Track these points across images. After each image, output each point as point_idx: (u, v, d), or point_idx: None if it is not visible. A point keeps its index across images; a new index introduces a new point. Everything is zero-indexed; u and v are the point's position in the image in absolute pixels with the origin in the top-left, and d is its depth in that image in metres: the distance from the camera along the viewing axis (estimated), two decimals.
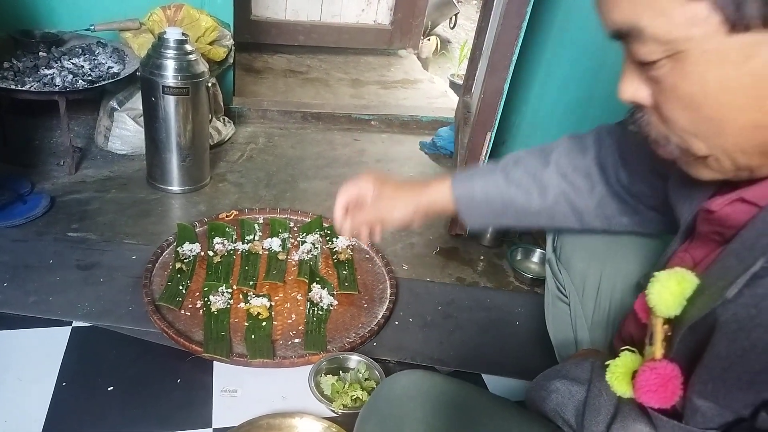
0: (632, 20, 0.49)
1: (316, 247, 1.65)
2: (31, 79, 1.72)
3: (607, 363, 0.67)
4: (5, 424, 1.08)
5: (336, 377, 1.24)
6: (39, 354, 1.23)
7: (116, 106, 1.94)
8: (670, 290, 0.57)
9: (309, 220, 1.77)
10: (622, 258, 0.98)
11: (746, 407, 0.50)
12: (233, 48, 2.18)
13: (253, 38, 3.16)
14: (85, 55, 1.91)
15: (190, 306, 1.40)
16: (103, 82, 1.79)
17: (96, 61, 1.89)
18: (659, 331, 0.60)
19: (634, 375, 0.63)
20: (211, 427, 1.14)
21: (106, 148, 1.99)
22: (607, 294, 0.99)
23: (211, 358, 1.27)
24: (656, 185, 0.82)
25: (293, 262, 1.60)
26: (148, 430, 1.11)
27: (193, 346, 1.27)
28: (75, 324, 1.31)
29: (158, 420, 1.13)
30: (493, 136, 1.60)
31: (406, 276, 1.64)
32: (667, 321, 0.60)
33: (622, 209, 0.89)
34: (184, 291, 1.43)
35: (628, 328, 0.77)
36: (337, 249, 1.65)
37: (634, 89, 0.52)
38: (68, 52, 1.91)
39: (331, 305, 1.46)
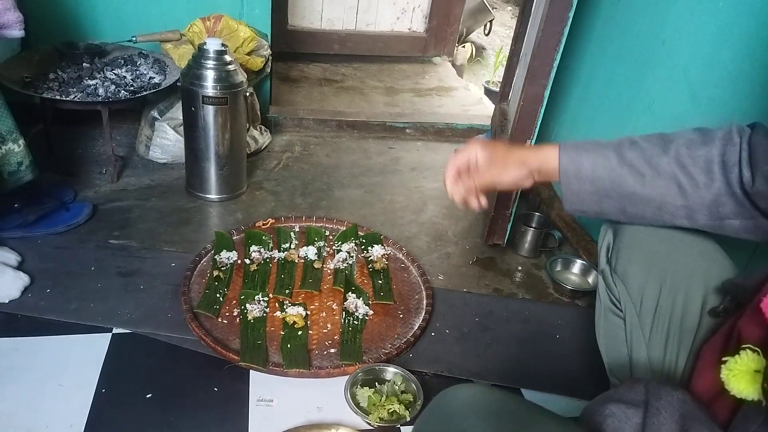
0: None
1: (352, 256, 1.64)
2: (75, 89, 1.77)
3: (724, 359, 0.64)
4: (46, 429, 1.09)
5: (372, 389, 1.22)
6: (80, 360, 1.25)
7: (157, 116, 1.98)
8: None
9: (344, 229, 1.76)
10: (684, 270, 0.93)
11: None
12: (270, 58, 2.20)
13: (290, 48, 3.19)
14: (127, 65, 1.95)
15: (227, 314, 1.40)
16: (145, 93, 1.83)
17: (138, 72, 1.93)
18: None
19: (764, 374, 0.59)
20: None
21: (147, 157, 2.03)
22: (667, 309, 0.93)
23: (247, 367, 1.26)
24: None
25: (329, 271, 1.59)
26: None
27: (230, 354, 1.27)
28: (115, 330, 1.33)
29: (196, 428, 1.13)
30: (533, 144, 1.57)
31: (442, 286, 1.62)
32: None
33: (738, 211, 0.85)
34: (221, 299, 1.43)
35: (747, 326, 0.72)
36: (372, 258, 1.64)
37: None
38: (111, 63, 1.95)
39: (367, 315, 1.45)
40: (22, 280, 1.38)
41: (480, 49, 4.16)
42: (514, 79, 2.12)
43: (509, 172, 0.96)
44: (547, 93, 1.49)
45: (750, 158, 0.82)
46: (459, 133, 2.53)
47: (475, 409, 0.69)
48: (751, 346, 0.63)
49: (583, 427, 0.79)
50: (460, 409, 0.70)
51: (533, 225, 1.82)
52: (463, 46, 3.66)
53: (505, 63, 2.44)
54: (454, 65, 3.47)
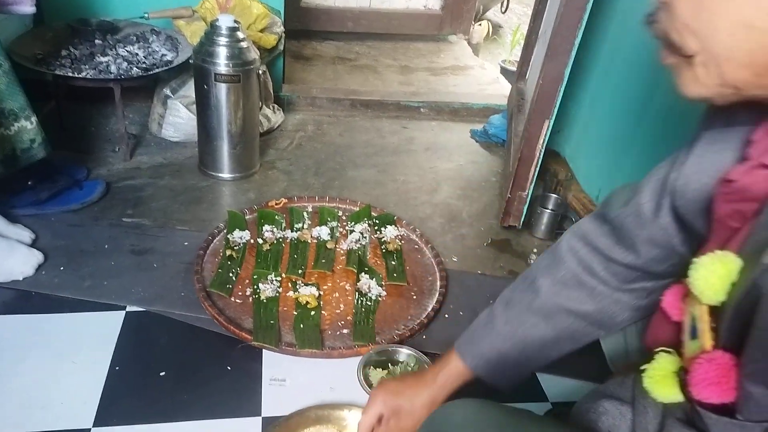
0: None
1: (365, 237, 1.62)
2: (87, 66, 1.75)
3: (642, 368, 0.63)
4: (61, 406, 1.10)
5: (385, 371, 1.21)
6: (93, 338, 1.25)
7: (170, 94, 1.96)
8: (717, 273, 0.53)
9: (357, 209, 1.74)
10: None
11: None
12: (283, 35, 2.16)
13: (303, 25, 3.14)
14: (139, 42, 1.93)
15: (240, 293, 1.40)
16: (157, 70, 1.81)
17: (150, 49, 1.91)
18: (705, 321, 0.56)
19: (680, 374, 0.59)
20: (260, 415, 1.14)
21: (160, 135, 2.02)
22: None
23: (260, 347, 1.26)
24: (665, 237, 0.73)
25: (342, 251, 1.58)
26: (199, 417, 1.12)
27: (243, 333, 1.26)
28: (129, 308, 1.33)
29: (209, 407, 1.14)
30: (551, 124, 1.53)
31: (456, 268, 1.60)
32: (711, 311, 0.56)
33: (637, 295, 0.81)
34: (234, 278, 1.43)
35: (654, 332, 0.71)
36: (385, 239, 1.62)
37: None
38: (123, 39, 1.93)
39: (380, 296, 1.44)
40: (36, 257, 1.39)
41: (496, 27, 4.08)
42: (533, 57, 2.08)
43: (420, 420, 0.89)
44: (567, 71, 1.44)
45: (618, 238, 0.78)
46: (474, 113, 2.48)
47: (471, 429, 0.68)
48: (665, 349, 0.61)
49: (577, 423, 0.77)
50: (456, 429, 0.69)
51: (550, 207, 1.78)
52: (480, 24, 3.58)
53: (522, 41, 2.39)
54: (469, 44, 3.41)
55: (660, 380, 0.60)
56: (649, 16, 0.55)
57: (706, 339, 0.55)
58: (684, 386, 0.57)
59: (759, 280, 0.48)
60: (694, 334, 0.57)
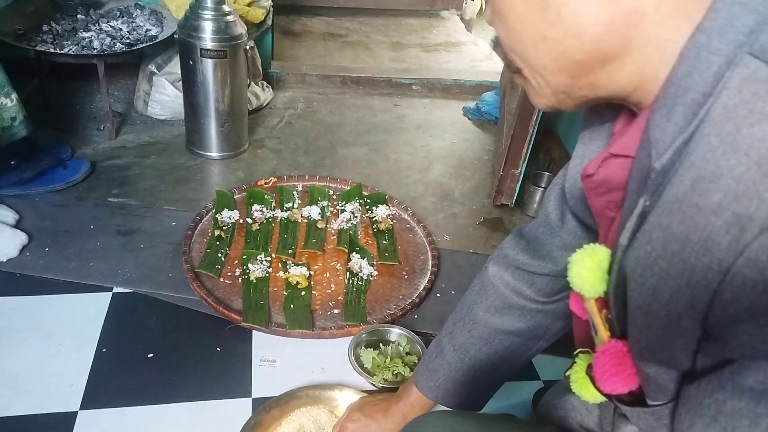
0: None
1: (356, 216, 1.60)
2: (69, 42, 1.71)
3: (567, 374, 0.63)
4: (47, 389, 1.08)
5: (376, 351, 1.20)
6: (80, 319, 1.23)
7: (155, 71, 1.92)
8: (587, 266, 0.54)
9: (348, 188, 1.72)
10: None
11: (686, 355, 0.46)
12: (271, 10, 2.11)
13: (292, 0, 3.08)
14: (123, 17, 1.88)
15: (229, 274, 1.38)
16: (141, 45, 1.76)
17: (134, 24, 1.86)
18: (596, 313, 0.56)
19: (588, 372, 0.59)
20: (250, 396, 1.13)
21: (146, 113, 1.97)
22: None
23: (250, 327, 1.25)
24: (577, 240, 0.74)
25: (332, 231, 1.56)
26: (189, 399, 1.10)
27: (232, 314, 1.25)
28: (115, 290, 1.31)
29: (198, 388, 1.13)
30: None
31: (448, 247, 1.58)
32: (603, 303, 0.56)
33: (566, 303, 0.82)
34: (223, 258, 1.41)
35: (578, 334, 0.72)
36: (377, 218, 1.60)
37: (488, 12, 0.55)
38: (106, 14, 1.88)
39: (371, 276, 1.42)
40: (20, 238, 1.36)
41: None
42: None
43: None
44: None
45: (535, 250, 0.79)
46: (467, 90, 2.45)
47: None
48: (583, 350, 0.62)
49: (545, 416, 0.78)
50: None
51: (542, 185, 1.77)
52: (472, 0, 3.53)
53: None
54: (462, 19, 3.36)
55: (582, 383, 0.60)
56: (493, 40, 0.57)
57: (602, 331, 0.56)
58: (594, 383, 0.57)
59: (623, 263, 0.49)
60: (595, 329, 0.57)
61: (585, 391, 0.60)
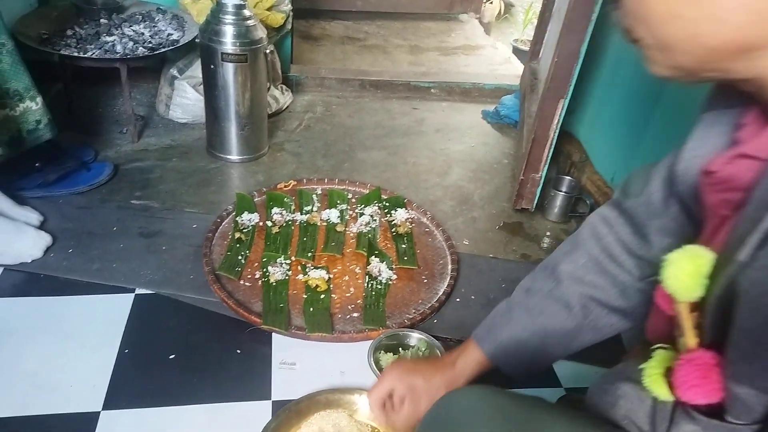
0: None
1: (375, 220, 1.60)
2: (92, 46, 1.73)
3: (641, 366, 0.60)
4: (70, 389, 1.09)
5: (396, 355, 1.20)
6: (103, 320, 1.24)
7: (176, 74, 1.94)
8: (685, 270, 0.51)
9: (367, 192, 1.72)
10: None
11: None
12: (291, 14, 2.12)
13: (311, 4, 3.10)
14: (145, 21, 1.90)
15: (249, 276, 1.38)
16: (163, 49, 1.78)
17: (156, 28, 1.88)
18: (687, 318, 0.54)
19: (667, 373, 0.56)
20: (270, 399, 1.13)
21: (168, 116, 1.99)
22: None
23: (269, 330, 1.25)
24: (677, 227, 0.71)
25: (351, 234, 1.56)
26: (209, 400, 1.11)
27: (252, 317, 1.25)
28: (138, 291, 1.32)
29: (218, 390, 1.13)
30: (566, 104, 1.49)
31: (467, 251, 1.57)
32: (695, 307, 0.53)
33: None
34: (243, 261, 1.41)
35: (653, 325, 0.69)
36: (396, 222, 1.60)
37: None
38: (129, 19, 1.90)
39: (390, 279, 1.42)
40: (44, 240, 1.38)
41: (508, 6, 3.99)
42: (546, 35, 2.03)
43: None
44: (583, 49, 1.40)
45: (634, 229, 0.76)
46: (486, 93, 2.44)
47: (477, 419, 0.66)
48: (662, 345, 0.59)
49: (592, 407, 0.75)
50: (461, 421, 0.67)
51: (563, 189, 1.75)
52: (491, 3, 3.51)
53: (534, 20, 2.33)
54: (481, 23, 3.35)
55: (658, 379, 0.58)
56: (615, 2, 0.54)
57: (690, 337, 0.54)
58: (671, 387, 0.55)
59: (737, 279, 0.46)
60: (681, 331, 0.55)
61: (657, 388, 0.58)
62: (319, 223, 1.57)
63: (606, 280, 0.79)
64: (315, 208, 1.63)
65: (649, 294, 0.78)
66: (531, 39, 2.30)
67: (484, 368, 0.89)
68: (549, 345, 0.84)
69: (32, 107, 1.40)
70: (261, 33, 1.70)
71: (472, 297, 1.42)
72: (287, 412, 1.04)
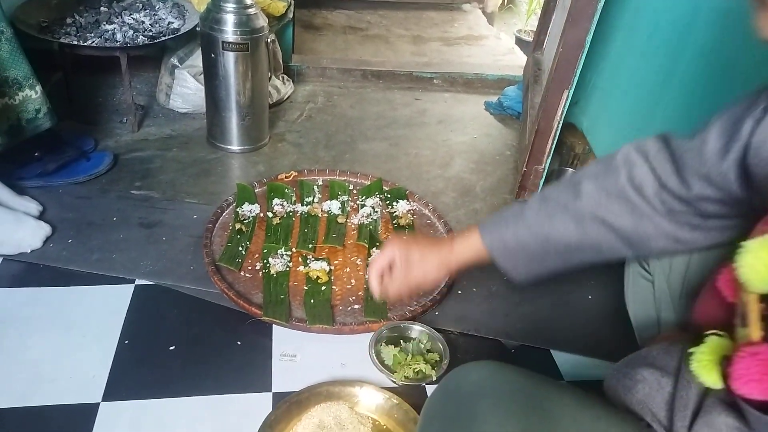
0: None
1: (376, 211, 1.59)
2: (92, 34, 1.71)
3: (690, 350, 0.59)
4: (69, 380, 1.09)
5: (397, 348, 1.19)
6: (103, 311, 1.24)
7: (177, 64, 1.92)
8: (764, 261, 0.49)
9: (369, 183, 1.71)
10: None
11: None
12: (293, 2, 2.10)
13: None
14: (145, 10, 1.88)
15: (249, 267, 1.37)
16: (164, 38, 1.76)
17: (156, 17, 1.86)
18: (754, 309, 0.52)
19: (723, 362, 0.55)
20: (270, 391, 1.12)
21: (168, 106, 1.98)
22: (697, 271, 0.89)
23: (270, 322, 1.24)
24: (723, 182, 0.70)
25: (353, 226, 1.55)
26: (209, 392, 1.10)
27: (253, 308, 1.24)
28: (138, 282, 1.32)
29: (218, 382, 1.12)
30: (571, 95, 1.47)
31: None
32: (763, 298, 0.52)
33: (680, 227, 0.78)
34: (243, 252, 1.41)
35: (706, 309, 0.68)
36: (397, 213, 1.59)
37: None
38: (129, 7, 1.89)
39: None
40: (44, 230, 1.37)
41: None
42: (551, 25, 2.01)
43: (428, 276, 0.95)
44: (589, 38, 1.38)
45: (677, 167, 0.76)
46: (489, 84, 2.42)
47: (487, 391, 0.65)
48: (716, 332, 0.58)
49: (608, 390, 0.74)
50: (471, 392, 0.66)
51: None
52: None
53: (537, 11, 2.31)
54: (484, 13, 3.32)
55: (707, 365, 0.56)
56: None
57: (754, 329, 0.52)
58: (726, 377, 0.54)
59: None
60: (744, 321, 0.53)
61: (707, 376, 0.57)
62: (320, 215, 1.56)
63: (624, 207, 0.78)
64: (316, 199, 1.62)
65: (667, 230, 0.78)
66: (534, 29, 2.28)
67: (480, 259, 0.90)
68: (549, 253, 0.85)
69: (31, 96, 1.39)
70: (262, 22, 1.68)
71: (474, 289, 1.41)
72: (288, 404, 1.04)
